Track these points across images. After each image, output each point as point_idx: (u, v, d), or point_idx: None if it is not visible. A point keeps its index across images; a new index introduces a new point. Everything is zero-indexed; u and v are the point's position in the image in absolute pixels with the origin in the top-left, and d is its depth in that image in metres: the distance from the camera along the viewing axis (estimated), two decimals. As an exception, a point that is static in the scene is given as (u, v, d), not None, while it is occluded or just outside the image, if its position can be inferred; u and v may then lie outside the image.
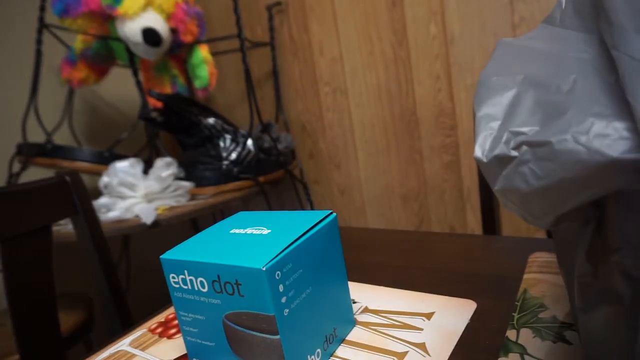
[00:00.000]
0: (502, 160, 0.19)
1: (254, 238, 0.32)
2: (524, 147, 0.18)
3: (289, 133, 1.49)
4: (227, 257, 0.29)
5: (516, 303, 0.35)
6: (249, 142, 1.23)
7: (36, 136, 1.29)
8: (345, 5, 1.33)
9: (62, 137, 1.42)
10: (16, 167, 1.23)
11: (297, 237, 0.30)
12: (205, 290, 0.30)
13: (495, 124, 0.20)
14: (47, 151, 1.17)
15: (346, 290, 0.36)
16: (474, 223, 1.27)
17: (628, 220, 0.17)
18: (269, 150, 1.29)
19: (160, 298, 1.62)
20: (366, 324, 0.37)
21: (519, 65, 0.23)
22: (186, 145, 1.27)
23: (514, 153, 0.19)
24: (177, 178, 1.14)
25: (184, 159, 1.24)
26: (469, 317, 0.35)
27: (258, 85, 1.60)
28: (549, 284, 0.36)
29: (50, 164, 1.17)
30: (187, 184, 1.13)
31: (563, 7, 0.24)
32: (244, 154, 1.21)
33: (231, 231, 0.34)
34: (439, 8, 1.18)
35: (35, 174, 1.30)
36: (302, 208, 1.55)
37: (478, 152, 0.20)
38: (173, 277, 0.32)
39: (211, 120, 1.21)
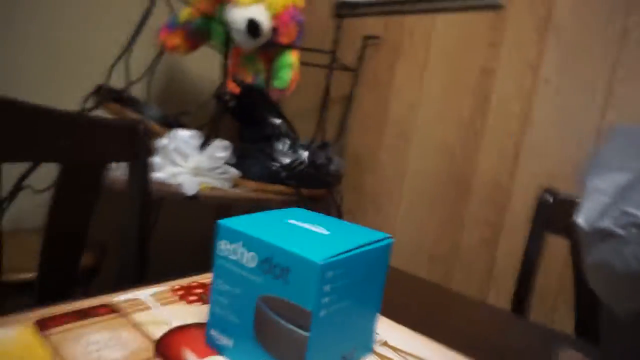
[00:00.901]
0: (604, 234, 0.19)
1: (312, 234, 0.32)
2: (632, 229, 0.18)
3: (343, 159, 1.51)
4: (285, 241, 0.30)
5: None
6: (304, 153, 1.25)
7: (117, 84, 1.36)
8: (438, 56, 1.35)
9: (138, 92, 1.49)
10: (89, 105, 1.30)
11: (355, 246, 0.31)
12: (253, 266, 0.31)
13: (605, 199, 0.20)
14: (120, 99, 1.23)
15: (375, 316, 0.35)
16: (493, 301, 1.23)
17: None
18: (319, 167, 1.31)
19: (176, 268, 1.64)
20: (382, 357, 0.36)
21: (636, 151, 0.23)
22: (245, 136, 1.31)
23: (620, 231, 0.19)
24: (227, 163, 1.17)
25: (238, 148, 1.27)
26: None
27: (331, 105, 1.64)
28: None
29: (119, 112, 1.23)
30: (234, 171, 1.15)
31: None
32: (296, 162, 1.23)
33: (289, 221, 0.35)
34: (529, 89, 1.17)
35: (103, 117, 1.37)
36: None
37: (581, 219, 0.20)
38: (225, 244, 0.33)
39: (277, 120, 1.24)
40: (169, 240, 1.59)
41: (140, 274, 0.76)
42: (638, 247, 0.18)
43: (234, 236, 0.32)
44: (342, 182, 1.56)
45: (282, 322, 0.29)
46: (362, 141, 1.54)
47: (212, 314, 0.34)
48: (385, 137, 1.48)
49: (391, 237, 0.34)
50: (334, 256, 0.28)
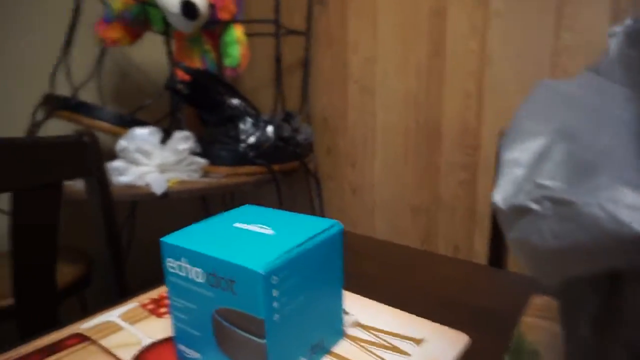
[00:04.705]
0: (521, 211, 0.18)
1: (257, 237, 0.31)
2: (546, 202, 0.18)
3: (310, 125, 1.49)
4: (226, 252, 0.29)
5: (509, 345, 0.34)
6: (269, 128, 1.23)
7: (63, 89, 1.30)
8: (387, 6, 1.31)
9: (88, 94, 1.43)
10: (39, 116, 1.25)
11: (299, 243, 0.30)
12: (201, 280, 0.30)
13: (520, 171, 0.20)
14: (70, 105, 1.18)
15: (340, 301, 0.35)
16: (480, 247, 1.26)
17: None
18: (287, 140, 1.29)
19: (158, 271, 1.64)
20: (354, 339, 0.36)
21: (555, 112, 0.22)
22: (207, 122, 1.27)
23: (535, 206, 0.18)
24: (193, 153, 1.14)
25: (203, 136, 1.24)
26: (459, 350, 0.34)
27: (287, 73, 1.60)
28: (546, 331, 0.35)
29: (72, 119, 1.19)
30: (201, 161, 1.13)
31: (610, 56, 0.23)
32: (263, 140, 1.21)
33: (235, 224, 0.34)
34: (482, 25, 1.15)
35: (56, 125, 1.32)
36: (312, 202, 1.55)
37: (497, 197, 0.19)
38: (170, 262, 0.32)
39: (235, 101, 1.21)
40: (149, 240, 1.58)
41: (123, 283, 0.76)
42: (553, 222, 0.18)
43: (177, 253, 0.31)
44: (314, 148, 1.54)
45: (240, 332, 0.29)
46: (326, 103, 1.51)
47: (175, 329, 0.34)
48: (349, 96, 1.45)
49: (339, 224, 0.34)
50: (277, 259, 0.28)
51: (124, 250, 1.59)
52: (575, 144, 0.19)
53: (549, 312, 0.38)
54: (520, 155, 0.20)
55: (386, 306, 0.41)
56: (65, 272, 1.05)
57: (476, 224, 1.25)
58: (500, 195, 0.20)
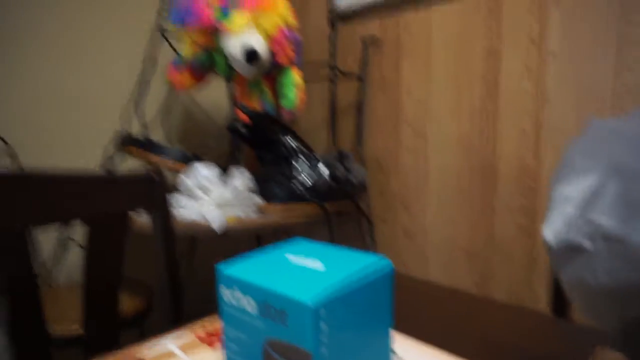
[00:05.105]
0: (572, 248, 0.18)
1: (307, 270, 0.32)
2: (599, 240, 0.17)
3: (363, 167, 1.50)
4: (277, 283, 0.30)
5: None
6: (323, 167, 1.25)
7: (132, 127, 1.41)
8: (440, 49, 1.33)
9: (156, 132, 1.54)
10: (109, 151, 1.35)
11: (351, 280, 0.30)
12: (253, 311, 0.31)
13: (572, 208, 0.19)
14: (140, 143, 1.27)
15: (388, 341, 0.35)
16: (539, 293, 1.19)
17: None
18: (340, 180, 1.31)
19: (214, 305, 1.67)
20: (403, 380, 0.35)
21: (608, 149, 0.21)
22: (264, 160, 1.32)
23: (587, 243, 0.18)
24: (250, 191, 1.18)
25: (259, 174, 1.29)
26: (516, 399, 0.32)
27: (342, 115, 1.64)
28: (613, 385, 0.33)
29: (141, 156, 1.28)
30: (257, 198, 1.17)
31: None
32: (316, 178, 1.24)
33: (287, 256, 0.35)
34: (536, 65, 1.14)
35: (127, 160, 1.42)
36: (365, 244, 1.54)
37: (548, 233, 0.19)
38: (224, 290, 0.33)
39: (290, 140, 1.25)
40: (206, 277, 1.62)
41: (180, 313, 0.78)
42: (607, 261, 0.17)
43: (231, 282, 0.32)
44: (367, 189, 1.55)
45: (288, 364, 0.29)
46: (380, 145, 1.53)
47: (227, 359, 0.35)
48: (402, 137, 1.46)
49: (391, 264, 0.34)
50: (327, 293, 0.28)
51: (185, 279, 1.65)
52: (628, 181, 0.19)
53: (616, 365, 0.35)
54: (571, 191, 0.20)
55: (436, 349, 0.40)
56: (128, 304, 1.10)
57: (536, 271, 1.18)
58: (551, 231, 0.19)
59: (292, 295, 0.28)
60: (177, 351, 0.43)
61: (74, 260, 1.39)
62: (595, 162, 0.21)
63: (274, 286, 0.30)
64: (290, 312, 0.28)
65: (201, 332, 0.46)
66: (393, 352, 0.40)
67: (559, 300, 0.69)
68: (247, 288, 0.31)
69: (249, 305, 0.31)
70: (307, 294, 0.28)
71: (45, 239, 1.31)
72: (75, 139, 1.41)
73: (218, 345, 0.44)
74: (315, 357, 0.28)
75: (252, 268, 0.33)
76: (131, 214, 0.71)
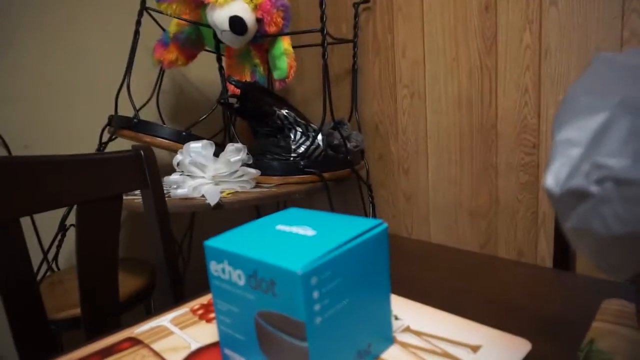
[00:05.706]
0: (578, 195, 0.16)
1: (297, 238, 0.31)
2: (609, 184, 0.15)
3: (360, 132, 1.47)
4: (266, 253, 0.28)
5: (579, 353, 0.30)
6: (319, 137, 1.23)
7: (127, 110, 1.38)
8: (435, 6, 1.28)
9: (149, 113, 1.51)
10: (105, 137, 1.33)
11: (341, 243, 0.29)
12: (242, 283, 0.30)
13: (576, 152, 0.17)
14: (132, 125, 1.24)
15: (387, 305, 0.34)
16: (545, 251, 1.18)
17: None
18: (337, 148, 1.28)
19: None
20: (405, 345, 0.34)
21: (617, 85, 0.19)
22: (258, 133, 1.30)
23: (595, 189, 0.16)
24: (245, 164, 1.16)
25: (254, 147, 1.27)
26: (520, 357, 0.31)
27: (336, 82, 1.60)
28: (622, 338, 0.32)
29: (134, 137, 1.25)
30: (253, 171, 1.15)
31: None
32: (313, 149, 1.21)
33: (277, 227, 0.33)
34: (536, 16, 1.09)
35: (122, 144, 1.40)
36: (365, 210, 1.53)
37: (550, 182, 0.17)
38: (213, 265, 0.32)
39: (284, 111, 1.22)
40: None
41: (180, 290, 0.78)
42: (618, 206, 0.15)
43: (219, 255, 0.31)
44: (365, 155, 1.53)
45: (282, 335, 0.28)
46: (377, 109, 1.49)
47: (220, 333, 0.34)
48: (399, 100, 1.43)
49: (384, 223, 0.32)
50: (315, 261, 0.27)
51: (185, 257, 1.65)
52: (640, 116, 0.16)
53: (625, 318, 0.34)
54: (575, 134, 0.18)
55: (440, 311, 0.39)
56: (131, 283, 1.11)
57: (540, 226, 1.17)
58: (553, 179, 0.17)
59: (280, 263, 0.27)
60: (171, 326, 0.42)
61: (73, 245, 1.38)
62: (603, 100, 0.18)
63: (262, 256, 0.28)
64: (280, 281, 0.27)
65: (197, 307, 0.45)
66: (395, 316, 0.38)
67: (564, 257, 0.67)
68: (235, 260, 0.30)
69: (238, 277, 0.30)
70: (295, 261, 0.27)
71: (46, 223, 1.30)
72: (70, 127, 1.39)
73: (214, 319, 0.43)
74: (308, 326, 0.26)
75: (240, 240, 0.32)
76: (124, 193, 0.69)
